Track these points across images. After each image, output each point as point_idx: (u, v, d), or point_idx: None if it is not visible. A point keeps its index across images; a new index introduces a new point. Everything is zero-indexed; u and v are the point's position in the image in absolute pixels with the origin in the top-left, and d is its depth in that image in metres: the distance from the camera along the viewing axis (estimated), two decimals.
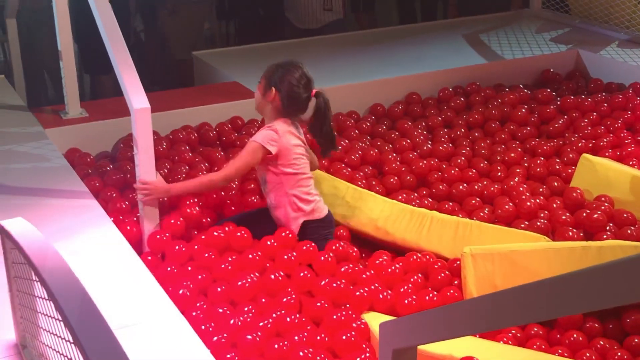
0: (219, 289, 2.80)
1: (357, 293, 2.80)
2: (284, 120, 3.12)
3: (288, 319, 2.68)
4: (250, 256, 2.95)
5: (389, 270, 3.02)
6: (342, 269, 2.96)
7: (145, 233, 3.06)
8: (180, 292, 2.75)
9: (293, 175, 3.12)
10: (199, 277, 2.84)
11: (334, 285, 2.84)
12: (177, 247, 2.99)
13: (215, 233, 3.05)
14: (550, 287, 1.20)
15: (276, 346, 2.55)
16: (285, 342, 2.56)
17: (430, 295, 2.89)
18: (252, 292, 2.78)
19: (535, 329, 2.78)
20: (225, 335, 2.57)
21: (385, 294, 2.84)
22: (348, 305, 2.79)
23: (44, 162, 3.37)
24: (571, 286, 1.15)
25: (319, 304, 2.74)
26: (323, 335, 2.64)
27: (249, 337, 2.56)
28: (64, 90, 3.95)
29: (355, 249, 3.21)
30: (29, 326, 2.02)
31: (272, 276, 2.84)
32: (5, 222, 1.90)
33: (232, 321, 2.62)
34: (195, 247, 2.99)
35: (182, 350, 2.18)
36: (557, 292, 1.19)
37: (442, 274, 3.04)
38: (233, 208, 3.39)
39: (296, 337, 2.60)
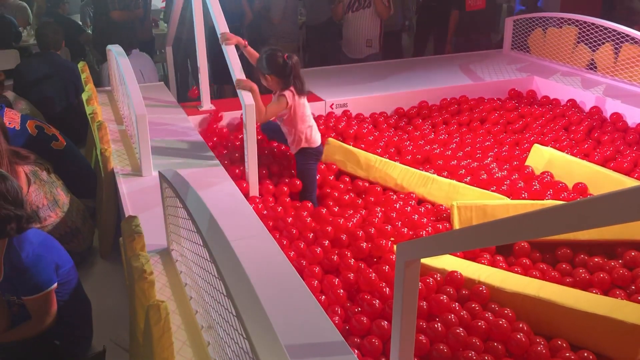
0: (289, 219, 2.82)
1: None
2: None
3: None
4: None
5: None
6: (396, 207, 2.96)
7: (250, 181, 3.07)
8: (270, 223, 2.77)
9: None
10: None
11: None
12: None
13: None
14: (505, 222, 1.20)
15: (317, 250, 2.55)
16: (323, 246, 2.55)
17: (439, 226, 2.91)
18: (316, 225, 2.79)
19: (499, 258, 2.73)
20: (285, 242, 2.61)
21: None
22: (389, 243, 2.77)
23: (186, 136, 3.40)
24: (519, 223, 1.17)
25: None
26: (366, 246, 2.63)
27: (301, 245, 2.58)
28: (200, 92, 3.98)
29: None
30: (174, 237, 2.05)
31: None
32: (164, 171, 1.92)
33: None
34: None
35: (269, 254, 2.19)
36: (510, 227, 1.20)
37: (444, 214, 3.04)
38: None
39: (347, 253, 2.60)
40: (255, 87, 3.01)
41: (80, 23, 6.82)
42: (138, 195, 2.65)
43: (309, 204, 2.92)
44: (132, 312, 1.80)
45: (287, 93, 3.04)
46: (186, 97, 5.33)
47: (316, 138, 3.22)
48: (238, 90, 2.97)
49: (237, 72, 3.04)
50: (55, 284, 2.09)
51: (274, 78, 3.07)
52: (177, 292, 1.92)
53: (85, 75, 3.84)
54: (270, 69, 3.05)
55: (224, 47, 3.18)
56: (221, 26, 3.23)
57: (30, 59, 4.88)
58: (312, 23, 6.25)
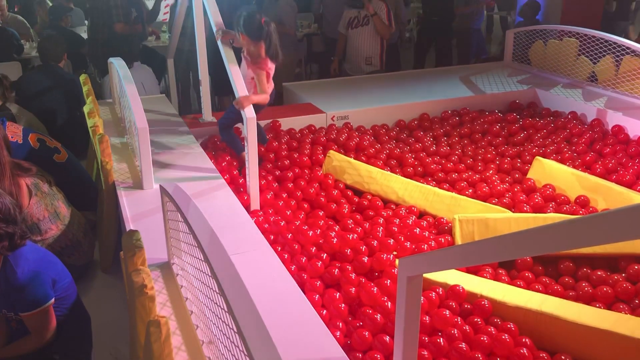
0: (289, 235, 2.82)
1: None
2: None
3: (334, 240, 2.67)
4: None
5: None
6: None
7: (251, 194, 3.06)
8: (271, 237, 2.76)
9: None
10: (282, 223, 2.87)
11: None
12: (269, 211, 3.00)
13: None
14: (509, 239, 1.18)
15: (319, 263, 2.55)
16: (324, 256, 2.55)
17: (442, 240, 2.89)
18: (317, 238, 2.78)
19: (501, 271, 2.72)
20: (286, 256, 2.62)
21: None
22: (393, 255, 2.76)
23: (188, 149, 3.41)
24: (522, 239, 1.13)
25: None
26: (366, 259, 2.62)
27: (302, 259, 2.57)
28: (202, 104, 3.99)
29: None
30: (175, 250, 2.04)
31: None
32: (165, 185, 1.92)
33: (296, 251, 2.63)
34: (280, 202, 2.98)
35: (270, 268, 2.18)
36: (513, 243, 1.17)
37: (446, 227, 3.03)
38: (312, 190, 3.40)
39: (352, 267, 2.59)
40: (252, 98, 3.05)
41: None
42: (139, 208, 2.65)
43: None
44: (133, 326, 1.79)
45: (265, 68, 3.20)
46: (187, 109, 5.37)
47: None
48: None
49: (240, 90, 3.05)
50: (53, 300, 2.08)
51: (245, 37, 3.16)
52: (177, 307, 1.91)
53: (86, 87, 3.85)
54: (245, 29, 3.14)
55: (224, 55, 3.20)
56: (216, 23, 3.31)
57: (32, 72, 4.90)
58: (332, 35, 6.22)
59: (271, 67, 3.26)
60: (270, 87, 3.28)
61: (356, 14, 5.19)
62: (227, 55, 3.19)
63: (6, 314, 2.11)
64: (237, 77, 3.11)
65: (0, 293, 2.04)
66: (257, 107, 3.27)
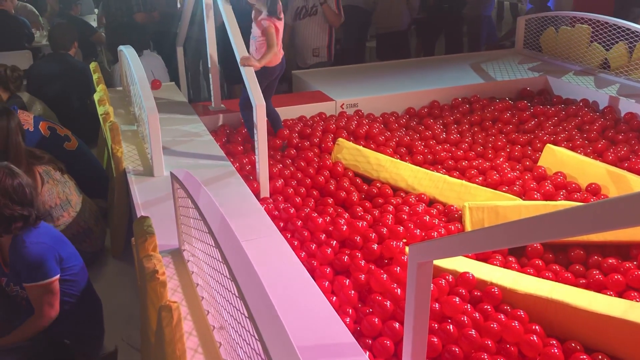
0: (298, 223, 2.82)
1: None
2: None
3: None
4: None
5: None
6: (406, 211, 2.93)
7: (261, 181, 3.07)
8: (281, 224, 2.77)
9: None
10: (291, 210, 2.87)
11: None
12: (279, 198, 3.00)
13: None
14: (518, 225, 1.20)
15: (328, 250, 2.55)
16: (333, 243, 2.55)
17: (451, 227, 2.88)
18: (327, 226, 2.78)
19: (511, 259, 2.71)
20: (296, 243, 2.63)
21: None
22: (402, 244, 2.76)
23: (198, 137, 3.41)
24: (533, 226, 1.14)
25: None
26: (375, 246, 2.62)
27: (312, 246, 2.57)
28: (211, 92, 3.99)
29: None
30: (186, 237, 2.05)
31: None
32: (175, 171, 1.93)
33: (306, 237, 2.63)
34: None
35: (280, 255, 2.19)
36: (522, 229, 1.19)
37: (456, 215, 3.01)
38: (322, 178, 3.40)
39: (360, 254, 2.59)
40: (256, 64, 3.17)
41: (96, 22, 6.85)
42: (149, 195, 2.66)
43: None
44: (144, 312, 1.80)
45: (270, 22, 3.28)
46: (197, 97, 5.37)
47: (278, 57, 3.46)
48: (248, 89, 2.97)
49: (240, 51, 3.16)
50: (58, 276, 2.07)
51: None
52: (188, 293, 1.92)
53: (97, 75, 3.86)
54: None
55: (231, 37, 3.25)
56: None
57: (42, 60, 4.91)
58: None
59: (278, 24, 3.33)
60: (279, 45, 3.37)
61: (304, 4, 4.92)
62: (234, 36, 3.18)
63: (13, 288, 2.13)
64: (238, 39, 3.22)
65: (11, 265, 2.06)
66: (268, 72, 3.36)
